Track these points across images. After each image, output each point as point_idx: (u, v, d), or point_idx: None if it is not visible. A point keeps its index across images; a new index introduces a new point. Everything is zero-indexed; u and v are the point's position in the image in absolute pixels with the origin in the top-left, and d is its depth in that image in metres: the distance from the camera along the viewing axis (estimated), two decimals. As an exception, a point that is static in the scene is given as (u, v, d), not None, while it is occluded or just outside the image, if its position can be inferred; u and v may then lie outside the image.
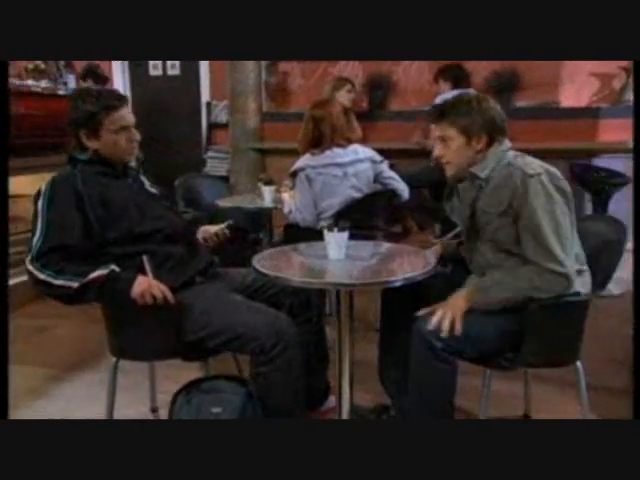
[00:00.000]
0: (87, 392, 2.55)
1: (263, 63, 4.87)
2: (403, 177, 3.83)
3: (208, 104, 5.38)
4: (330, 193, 2.81)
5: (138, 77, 5.67)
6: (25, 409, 2.42)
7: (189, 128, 5.52)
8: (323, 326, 2.13)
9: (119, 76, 5.64)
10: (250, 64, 4.69)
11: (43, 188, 1.83)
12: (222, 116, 5.19)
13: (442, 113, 1.83)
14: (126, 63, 5.64)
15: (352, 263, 1.87)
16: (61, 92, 4.10)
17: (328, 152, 2.80)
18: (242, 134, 4.80)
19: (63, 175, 1.87)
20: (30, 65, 4.58)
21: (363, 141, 4.65)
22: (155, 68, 5.60)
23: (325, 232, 1.85)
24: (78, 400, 2.48)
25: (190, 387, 1.70)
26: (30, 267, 1.72)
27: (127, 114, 1.93)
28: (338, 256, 1.86)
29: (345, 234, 1.86)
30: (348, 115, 4.41)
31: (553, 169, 1.77)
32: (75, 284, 1.69)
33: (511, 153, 1.81)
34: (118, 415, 2.19)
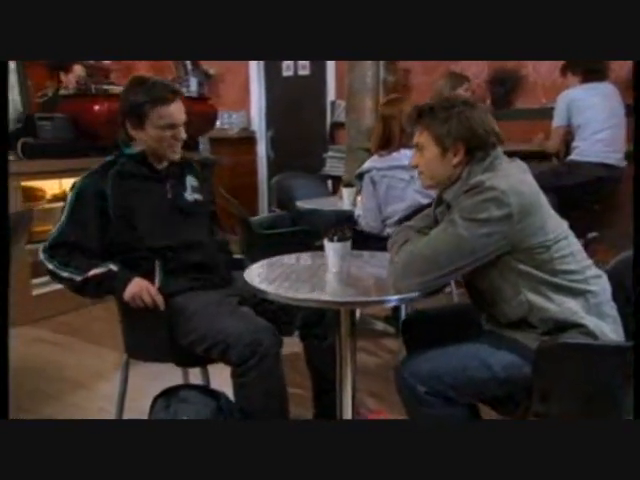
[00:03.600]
0: (145, 383, 2.64)
1: (382, 61, 4.71)
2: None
3: (332, 103, 5.37)
4: (395, 198, 2.61)
5: (273, 78, 5.84)
6: (81, 389, 2.60)
7: (316, 127, 5.56)
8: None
9: (255, 76, 5.86)
10: (368, 62, 4.56)
11: (76, 183, 1.87)
12: (343, 115, 5.13)
13: (419, 115, 1.58)
14: (262, 65, 5.84)
15: (351, 277, 1.70)
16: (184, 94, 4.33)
17: (395, 154, 2.61)
18: (357, 133, 4.69)
19: (96, 173, 1.87)
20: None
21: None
22: (287, 69, 5.72)
23: (325, 242, 1.70)
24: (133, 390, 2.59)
25: (169, 393, 1.68)
26: (41, 255, 1.80)
27: (177, 111, 1.84)
28: (338, 268, 1.70)
29: (346, 244, 1.70)
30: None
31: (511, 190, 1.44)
32: (78, 278, 1.75)
33: (486, 175, 1.49)
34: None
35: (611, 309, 1.53)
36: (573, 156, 3.50)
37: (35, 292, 3.52)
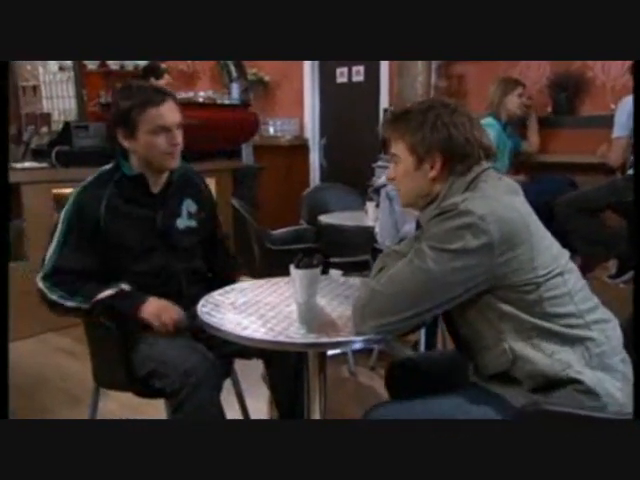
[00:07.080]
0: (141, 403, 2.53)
1: (433, 65, 4.43)
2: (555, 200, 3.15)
3: (385, 110, 5.12)
4: (412, 215, 2.35)
5: (326, 85, 5.69)
6: (78, 404, 2.51)
7: (370, 136, 5.34)
8: (300, 376, 1.71)
9: (309, 83, 5.72)
10: (419, 66, 4.29)
11: (71, 199, 1.71)
12: (395, 123, 4.89)
13: (394, 122, 1.34)
14: (316, 72, 5.69)
15: (317, 310, 1.48)
16: (225, 102, 4.27)
17: (414, 166, 2.35)
18: (404, 142, 4.44)
19: (93, 186, 1.73)
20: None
21: (541, 153, 3.92)
22: (341, 75, 5.54)
23: (291, 268, 1.49)
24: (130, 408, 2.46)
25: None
26: (40, 284, 1.65)
27: (168, 112, 1.66)
28: (305, 299, 1.48)
29: (314, 272, 1.48)
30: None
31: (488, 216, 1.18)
32: (86, 305, 1.63)
33: (463, 196, 1.24)
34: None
35: (620, 363, 1.23)
36: (632, 170, 3.08)
37: (64, 299, 3.53)
